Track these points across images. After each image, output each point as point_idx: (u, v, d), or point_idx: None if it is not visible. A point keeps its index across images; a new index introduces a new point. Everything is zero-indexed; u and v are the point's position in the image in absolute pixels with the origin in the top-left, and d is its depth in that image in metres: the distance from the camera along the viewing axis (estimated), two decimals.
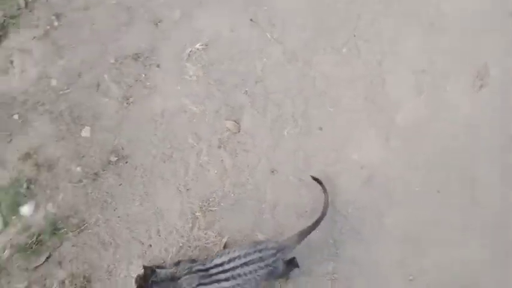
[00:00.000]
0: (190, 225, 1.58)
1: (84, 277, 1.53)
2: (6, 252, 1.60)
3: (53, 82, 1.83)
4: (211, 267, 1.29)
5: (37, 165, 1.70)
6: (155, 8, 1.85)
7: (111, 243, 1.58)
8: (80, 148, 1.72)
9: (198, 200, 1.60)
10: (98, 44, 1.87)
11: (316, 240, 1.51)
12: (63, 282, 1.53)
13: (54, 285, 1.54)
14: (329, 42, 1.77)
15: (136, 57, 1.82)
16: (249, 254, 1.30)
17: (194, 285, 1.28)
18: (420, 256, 1.51)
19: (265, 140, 1.67)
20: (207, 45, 1.81)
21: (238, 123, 1.70)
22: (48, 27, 1.86)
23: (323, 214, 1.42)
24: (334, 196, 1.58)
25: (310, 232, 1.41)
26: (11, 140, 1.77)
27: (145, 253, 1.55)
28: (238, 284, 1.28)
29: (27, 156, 1.73)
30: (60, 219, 1.62)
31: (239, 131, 1.69)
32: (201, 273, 1.29)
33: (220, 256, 1.30)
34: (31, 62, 1.89)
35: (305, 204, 1.58)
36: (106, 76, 1.81)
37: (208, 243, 1.54)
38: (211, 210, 1.58)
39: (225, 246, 1.52)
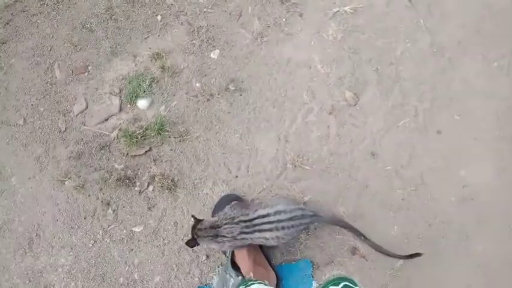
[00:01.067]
0: (278, 172, 1.63)
1: (172, 180, 1.66)
2: (114, 133, 1.77)
3: None
4: (255, 218, 1.34)
5: (163, 68, 1.83)
6: None
7: (204, 161, 1.69)
8: (205, 67, 1.81)
9: (293, 153, 1.64)
10: None
11: (394, 235, 1.50)
12: (153, 177, 1.68)
13: (145, 177, 1.69)
14: (483, 50, 1.65)
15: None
16: (294, 210, 1.35)
17: (235, 233, 1.34)
18: None
19: (377, 122, 1.64)
20: (355, 11, 1.77)
21: (357, 97, 1.68)
22: None
23: (376, 248, 1.47)
24: (424, 203, 1.54)
25: (344, 227, 1.50)
26: (148, 37, 1.91)
27: (230, 181, 1.64)
28: (277, 236, 1.34)
29: (157, 56, 1.85)
30: (168, 122, 1.74)
31: (355, 105, 1.68)
32: (243, 224, 1.34)
33: (264, 208, 1.35)
34: None
35: (393, 197, 1.56)
36: (249, 8, 1.85)
37: (289, 195, 1.59)
38: (302, 167, 1.62)
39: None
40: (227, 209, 1.41)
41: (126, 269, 1.59)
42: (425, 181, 1.56)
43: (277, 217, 1.33)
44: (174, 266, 1.57)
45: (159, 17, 1.92)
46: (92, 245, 1.64)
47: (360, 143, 1.63)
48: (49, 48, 1.94)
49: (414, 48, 1.71)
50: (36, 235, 1.68)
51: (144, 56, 1.88)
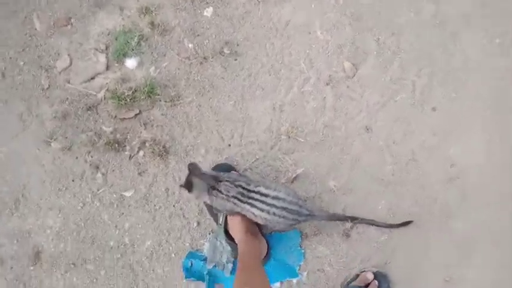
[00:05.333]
0: (272, 143, 1.61)
1: (164, 146, 1.63)
2: (101, 93, 1.69)
3: None
4: (254, 192, 1.34)
5: (152, 25, 1.71)
6: None
7: (196, 127, 1.64)
8: (198, 26, 1.71)
9: (287, 124, 1.62)
10: None
11: (381, 209, 1.55)
12: (144, 142, 1.64)
13: (135, 141, 1.65)
14: (486, 25, 1.60)
15: None
16: (292, 203, 1.35)
17: (230, 194, 1.35)
18: (465, 266, 1.53)
19: (374, 96, 1.62)
20: None
21: (356, 68, 1.63)
22: None
23: (369, 222, 1.51)
24: (413, 179, 1.57)
25: (341, 220, 1.52)
26: None
27: (223, 149, 1.62)
28: (265, 218, 1.35)
29: (146, 10, 1.73)
30: (158, 85, 1.67)
31: (353, 77, 1.63)
32: (241, 190, 1.35)
33: (267, 188, 1.35)
34: None
35: (385, 171, 1.57)
36: None
37: (281, 167, 1.59)
38: (296, 139, 1.60)
39: (295, 178, 1.58)
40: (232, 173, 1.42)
41: (117, 232, 1.60)
42: (415, 158, 1.58)
43: (274, 202, 1.33)
44: (165, 231, 1.59)
45: None
46: (81, 207, 1.62)
47: (356, 117, 1.61)
48: None
49: (418, 18, 1.65)
50: (23, 196, 1.65)
51: (132, 10, 1.75)
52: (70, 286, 1.59)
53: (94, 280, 1.58)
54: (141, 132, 1.65)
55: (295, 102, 1.64)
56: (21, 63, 1.73)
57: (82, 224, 1.61)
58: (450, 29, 1.63)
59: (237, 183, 1.36)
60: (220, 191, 1.35)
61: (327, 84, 1.64)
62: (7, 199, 1.65)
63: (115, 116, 1.67)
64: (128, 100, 1.65)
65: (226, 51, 1.68)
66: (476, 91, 1.59)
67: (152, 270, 1.57)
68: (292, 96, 1.64)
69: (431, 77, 1.61)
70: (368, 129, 1.60)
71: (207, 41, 1.70)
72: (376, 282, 1.49)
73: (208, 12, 1.72)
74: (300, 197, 1.41)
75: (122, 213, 1.61)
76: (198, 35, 1.70)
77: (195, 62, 1.68)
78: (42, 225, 1.62)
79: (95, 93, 1.69)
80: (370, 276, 1.49)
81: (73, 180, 1.64)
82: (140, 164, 1.64)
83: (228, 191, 1.34)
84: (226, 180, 1.36)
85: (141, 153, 1.64)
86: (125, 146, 1.64)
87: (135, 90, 1.67)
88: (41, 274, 1.61)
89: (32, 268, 1.61)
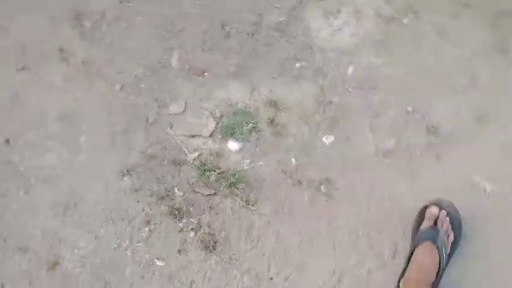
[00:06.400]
0: None
1: (214, 242, 1.57)
2: (193, 156, 1.66)
3: None
4: None
5: (272, 122, 1.67)
6: None
7: (253, 241, 1.54)
8: (311, 148, 1.63)
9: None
10: None
11: None
12: (201, 226, 1.58)
13: (194, 220, 1.58)
14: None
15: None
16: None
17: None
18: None
19: None
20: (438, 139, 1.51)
21: None
22: None
23: None
24: None
25: None
26: (276, 78, 1.75)
27: (263, 279, 1.52)
28: None
29: (274, 104, 1.69)
30: (244, 180, 1.62)
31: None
32: None
33: None
34: None
35: None
36: (391, 117, 1.62)
37: None
38: None
39: None
40: None
41: None
42: None
43: None
44: None
45: (298, 65, 1.72)
46: (114, 248, 1.62)
47: None
48: (178, 29, 1.80)
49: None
50: (75, 205, 1.67)
51: (261, 95, 1.72)
52: None
53: None
54: (204, 214, 1.62)
55: (356, 280, 1.51)
56: (142, 86, 1.76)
57: (106, 263, 1.60)
58: None
59: None
60: None
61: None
62: (61, 199, 1.68)
63: (191, 184, 1.65)
64: (211, 179, 1.62)
65: (322, 188, 1.59)
66: None
67: None
68: (357, 273, 1.52)
69: None
70: None
71: (311, 164, 1.62)
72: (444, 212, 1.41)
73: (328, 140, 1.64)
74: None
75: (143, 277, 1.59)
76: (306, 156, 1.63)
77: (289, 180, 1.62)
78: (74, 242, 1.63)
79: (187, 152, 1.68)
80: (435, 210, 1.41)
81: (122, 219, 1.64)
82: (185, 242, 1.60)
83: None
84: None
85: (192, 234, 1.60)
86: (182, 218, 1.61)
87: (222, 172, 1.63)
88: (48, 280, 1.62)
89: (44, 272, 1.63)
